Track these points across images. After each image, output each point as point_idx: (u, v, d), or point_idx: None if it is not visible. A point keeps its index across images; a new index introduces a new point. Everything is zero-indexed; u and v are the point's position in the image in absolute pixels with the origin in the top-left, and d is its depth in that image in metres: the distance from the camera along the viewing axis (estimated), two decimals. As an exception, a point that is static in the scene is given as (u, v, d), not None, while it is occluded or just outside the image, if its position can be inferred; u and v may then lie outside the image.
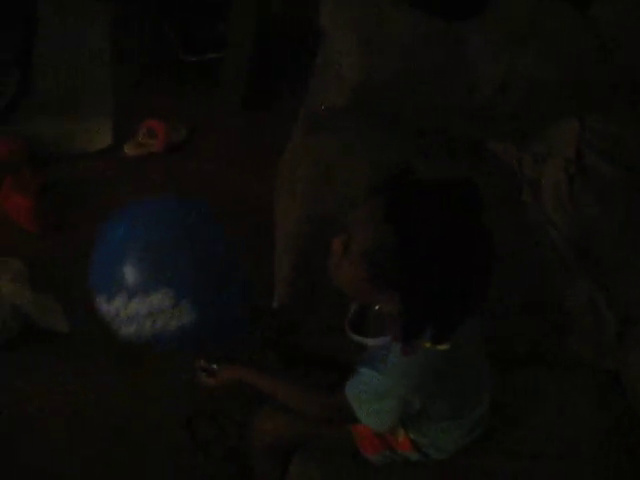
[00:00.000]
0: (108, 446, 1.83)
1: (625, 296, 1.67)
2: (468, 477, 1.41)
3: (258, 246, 2.11)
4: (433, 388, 1.26)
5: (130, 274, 1.31)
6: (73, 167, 2.33)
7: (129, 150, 2.41)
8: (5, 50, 2.35)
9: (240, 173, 2.43)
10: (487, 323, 1.35)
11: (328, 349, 1.61)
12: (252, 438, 1.49)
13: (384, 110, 1.95)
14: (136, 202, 1.53)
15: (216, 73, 2.66)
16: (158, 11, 2.77)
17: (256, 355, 1.65)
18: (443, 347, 1.20)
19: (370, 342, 1.29)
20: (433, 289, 1.11)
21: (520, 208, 1.94)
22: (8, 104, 2.36)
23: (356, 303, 1.36)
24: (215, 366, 1.49)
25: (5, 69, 2.35)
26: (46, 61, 2.48)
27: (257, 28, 2.49)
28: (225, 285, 1.34)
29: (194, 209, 1.44)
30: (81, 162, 2.35)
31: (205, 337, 1.36)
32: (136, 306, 1.30)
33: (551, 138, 1.94)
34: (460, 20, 1.96)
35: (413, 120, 1.98)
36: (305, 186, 1.82)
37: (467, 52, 1.92)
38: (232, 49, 2.58)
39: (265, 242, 1.98)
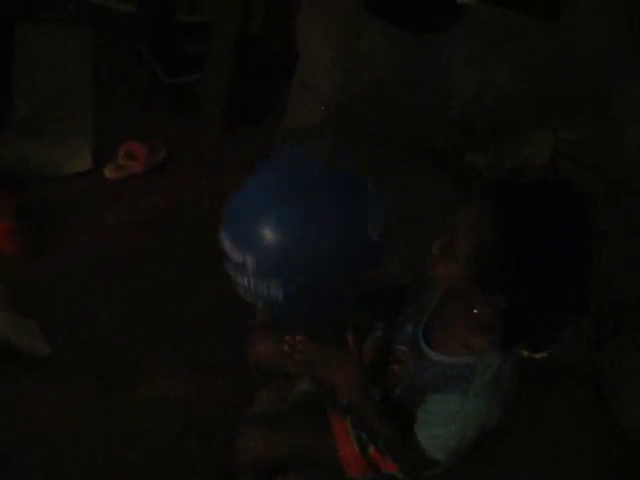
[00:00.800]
0: (91, 469, 1.82)
1: (605, 301, 1.67)
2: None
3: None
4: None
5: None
6: (54, 190, 2.33)
7: (109, 173, 2.41)
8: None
9: (221, 192, 2.42)
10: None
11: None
12: (236, 456, 1.48)
13: (361, 125, 1.96)
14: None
15: (196, 94, 2.67)
16: (137, 34, 2.79)
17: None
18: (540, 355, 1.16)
19: (453, 360, 1.23)
20: (541, 291, 1.08)
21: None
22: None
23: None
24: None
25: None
26: (26, 85, 2.48)
27: (236, 49, 2.51)
28: None
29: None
30: (62, 185, 2.35)
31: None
32: None
33: (527, 149, 1.95)
34: (433, 33, 1.98)
35: (392, 134, 1.99)
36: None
37: (441, 64, 1.94)
38: (211, 70, 2.60)
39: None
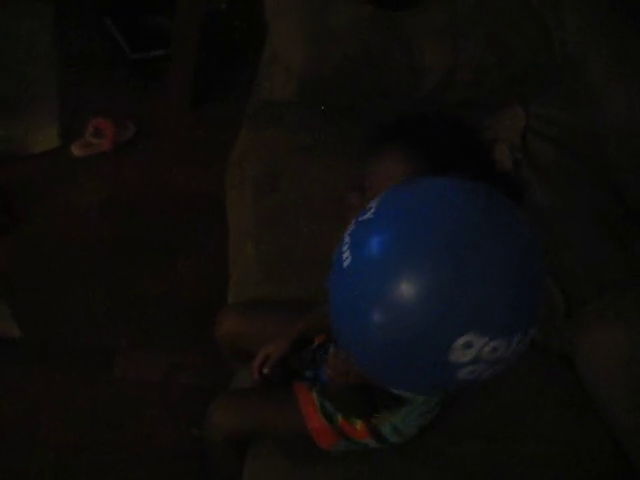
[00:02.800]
0: (63, 452, 1.80)
1: (572, 274, 1.69)
2: (431, 459, 1.41)
3: (210, 244, 2.13)
4: None
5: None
6: (19, 169, 2.28)
7: (76, 150, 2.37)
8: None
9: (191, 169, 2.41)
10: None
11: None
12: (208, 431, 1.48)
13: (332, 101, 1.95)
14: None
15: (164, 69, 2.63)
16: (101, 8, 2.73)
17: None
18: None
19: None
20: None
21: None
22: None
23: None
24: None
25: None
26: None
27: (203, 23, 2.47)
28: None
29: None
30: (28, 164, 2.31)
31: None
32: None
33: (497, 125, 1.95)
34: (403, 9, 1.97)
35: (362, 110, 1.98)
36: (253, 187, 1.81)
37: (412, 39, 1.93)
38: (178, 45, 2.56)
39: (217, 239, 1.97)
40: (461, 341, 0.91)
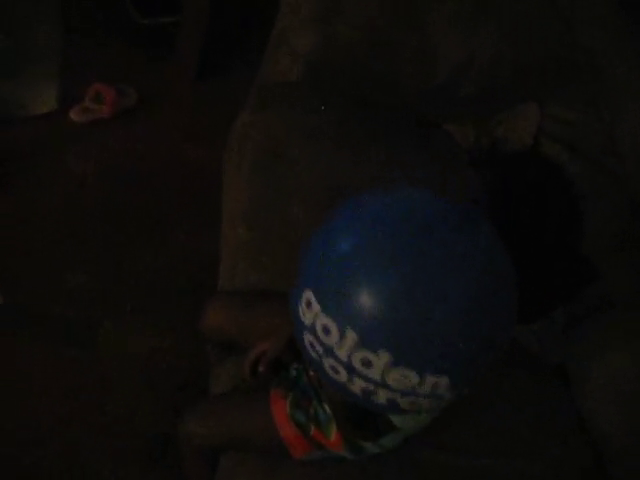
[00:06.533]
0: (46, 423, 1.76)
1: (576, 285, 1.63)
2: (409, 468, 1.36)
3: (205, 221, 2.07)
4: None
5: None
6: (15, 131, 2.22)
7: (75, 115, 2.31)
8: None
9: (191, 143, 2.35)
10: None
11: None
12: (180, 439, 1.43)
13: (339, 86, 1.88)
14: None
15: (171, 38, 2.55)
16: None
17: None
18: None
19: None
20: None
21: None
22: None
23: None
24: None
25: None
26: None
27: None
28: None
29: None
30: (24, 127, 2.24)
31: None
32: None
33: (510, 122, 1.88)
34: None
35: (370, 97, 1.91)
36: (250, 168, 1.75)
37: (427, 25, 1.85)
38: (189, 13, 2.48)
39: (214, 217, 1.91)
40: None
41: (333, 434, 1.27)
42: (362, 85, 1.89)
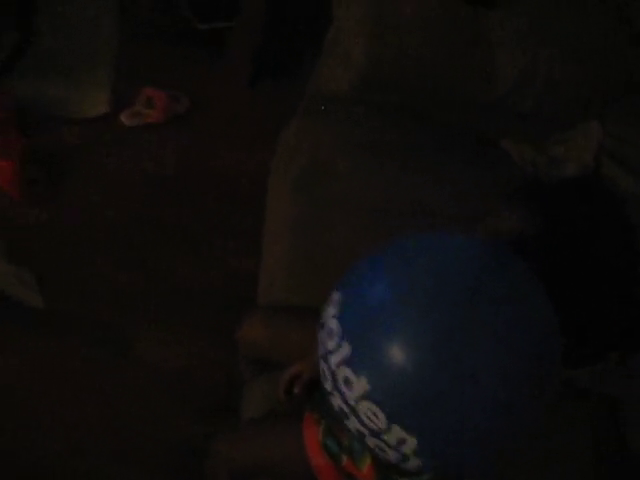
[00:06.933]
0: (74, 428, 1.76)
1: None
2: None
3: (249, 233, 2.02)
4: None
5: None
6: (65, 135, 2.21)
7: (126, 119, 2.29)
8: (4, 12, 2.23)
9: (240, 151, 2.31)
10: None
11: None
12: (210, 458, 1.39)
13: (392, 99, 1.82)
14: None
15: (226, 44, 2.52)
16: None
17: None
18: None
19: None
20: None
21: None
22: (3, 66, 2.25)
23: None
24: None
25: (2, 31, 2.24)
26: (48, 24, 2.35)
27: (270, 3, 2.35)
28: None
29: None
30: (75, 129, 2.23)
31: None
32: None
33: (570, 141, 1.80)
34: (484, 6, 1.82)
35: (424, 112, 1.85)
36: (297, 179, 1.70)
37: (487, 41, 1.79)
38: (245, 19, 2.45)
39: (257, 229, 1.87)
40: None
41: (366, 466, 1.21)
42: (416, 99, 1.82)
